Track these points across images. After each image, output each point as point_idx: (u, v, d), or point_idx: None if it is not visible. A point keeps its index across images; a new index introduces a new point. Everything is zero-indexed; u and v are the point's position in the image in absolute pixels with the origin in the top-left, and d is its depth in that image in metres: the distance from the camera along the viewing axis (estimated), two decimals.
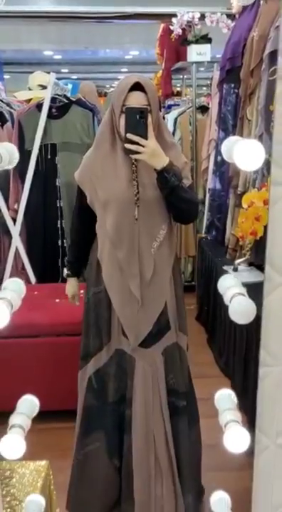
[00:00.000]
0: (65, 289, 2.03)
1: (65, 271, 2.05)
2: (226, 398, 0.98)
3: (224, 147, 0.83)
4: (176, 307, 1.77)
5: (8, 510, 1.25)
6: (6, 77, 11.06)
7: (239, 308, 0.81)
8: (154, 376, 1.75)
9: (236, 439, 0.87)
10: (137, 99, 1.56)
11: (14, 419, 0.92)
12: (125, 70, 10.67)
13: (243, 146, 0.73)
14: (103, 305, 1.74)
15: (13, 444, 0.86)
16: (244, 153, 0.73)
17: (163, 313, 1.73)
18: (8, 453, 0.87)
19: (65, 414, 2.46)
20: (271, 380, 1.00)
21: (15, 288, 0.88)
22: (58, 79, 3.22)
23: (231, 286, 0.87)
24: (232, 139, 0.80)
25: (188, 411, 1.83)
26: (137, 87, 1.57)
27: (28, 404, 0.96)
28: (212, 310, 3.37)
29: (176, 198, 1.60)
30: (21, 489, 1.32)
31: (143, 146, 1.51)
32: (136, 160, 1.62)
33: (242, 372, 2.69)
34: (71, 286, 2.01)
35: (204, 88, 7.81)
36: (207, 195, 3.85)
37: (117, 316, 1.73)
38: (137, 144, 1.51)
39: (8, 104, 3.44)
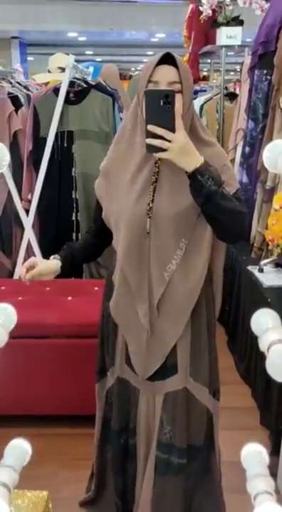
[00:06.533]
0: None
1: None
2: (255, 458, 0.80)
3: (268, 154, 0.64)
4: (191, 350, 1.47)
5: None
6: (30, 58, 10.94)
7: (281, 363, 0.62)
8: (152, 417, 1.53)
9: None
10: (165, 74, 1.27)
11: None
12: (151, 52, 10.42)
13: None
14: (110, 324, 1.55)
15: None
16: None
17: (171, 353, 1.46)
18: None
19: (76, 420, 2.38)
20: None
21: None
22: (82, 61, 3.05)
23: (269, 328, 0.68)
24: (279, 145, 0.61)
25: (190, 471, 1.53)
26: (168, 61, 1.28)
27: (17, 453, 0.80)
28: (234, 311, 3.22)
29: (214, 208, 1.27)
30: None
31: (169, 141, 1.20)
32: (159, 159, 1.32)
33: (264, 381, 2.53)
34: (45, 262, 1.56)
35: (232, 73, 7.54)
36: None
37: (122, 341, 1.53)
38: (162, 138, 1.19)
39: (25, 87, 3.29)
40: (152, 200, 1.36)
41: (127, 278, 1.43)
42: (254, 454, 0.82)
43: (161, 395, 1.49)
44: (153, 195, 1.36)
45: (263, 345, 0.70)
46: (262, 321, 0.72)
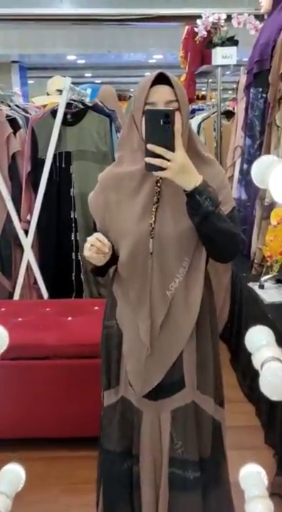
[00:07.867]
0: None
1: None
2: (254, 479, 0.78)
3: (256, 169, 0.64)
4: (196, 363, 1.46)
5: None
6: (30, 82, 11.08)
7: (273, 381, 0.61)
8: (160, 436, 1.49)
9: None
10: (161, 94, 1.28)
11: None
12: (149, 73, 10.54)
13: None
14: (113, 343, 1.52)
15: None
16: None
17: (177, 367, 1.45)
18: None
19: (77, 442, 2.32)
20: None
21: None
22: (82, 83, 3.10)
23: (262, 345, 0.67)
24: (266, 160, 0.61)
25: (204, 481, 1.50)
26: (162, 80, 1.30)
27: (11, 479, 0.78)
28: (236, 328, 3.19)
29: (210, 228, 1.28)
30: None
31: (169, 160, 1.20)
32: (161, 178, 1.31)
33: (268, 399, 2.49)
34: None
35: (230, 92, 7.63)
36: None
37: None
38: (161, 157, 1.20)
39: (24, 110, 3.32)
40: (155, 221, 1.36)
41: (130, 296, 1.42)
42: (253, 475, 0.80)
43: (166, 412, 1.47)
44: (155, 216, 1.36)
45: (256, 363, 0.69)
46: (255, 338, 0.71)
